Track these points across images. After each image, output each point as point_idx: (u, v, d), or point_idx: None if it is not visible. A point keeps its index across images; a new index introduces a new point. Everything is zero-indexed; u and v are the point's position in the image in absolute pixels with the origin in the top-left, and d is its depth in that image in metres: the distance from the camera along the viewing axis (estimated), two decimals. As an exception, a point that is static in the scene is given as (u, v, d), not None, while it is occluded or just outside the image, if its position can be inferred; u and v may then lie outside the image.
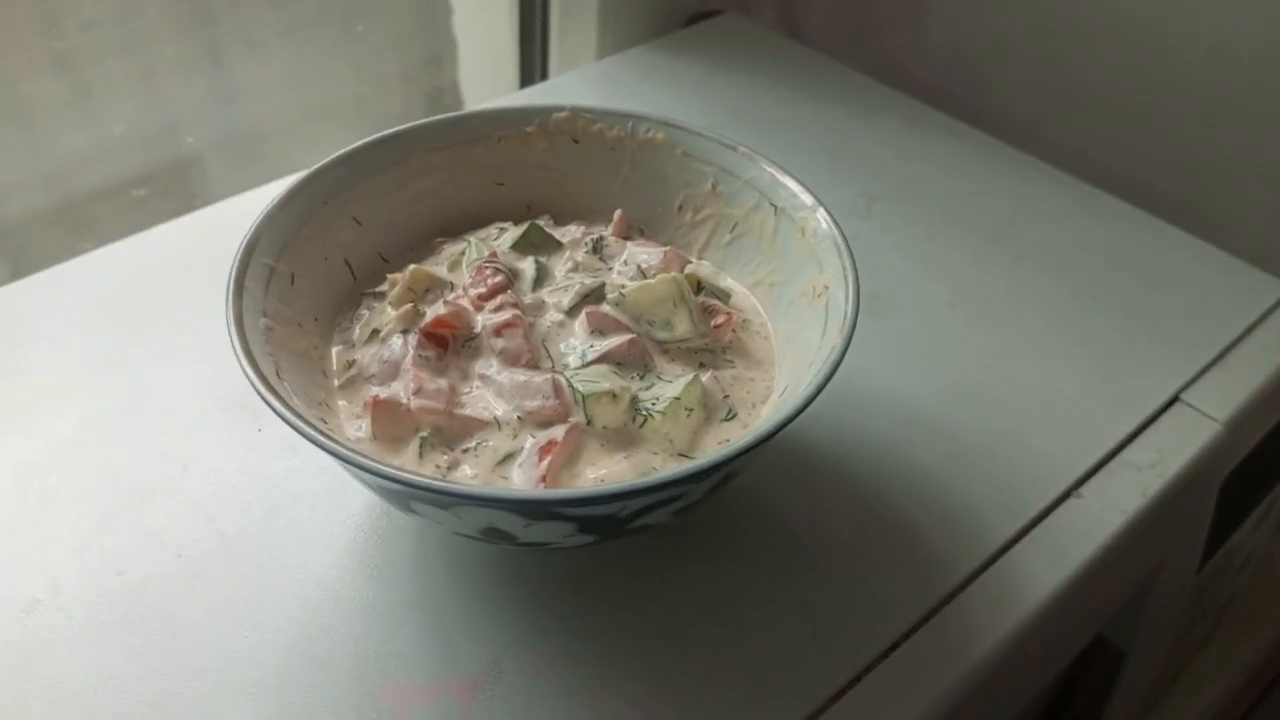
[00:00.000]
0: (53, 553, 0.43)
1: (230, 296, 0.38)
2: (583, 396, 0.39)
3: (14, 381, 0.49)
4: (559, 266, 0.46)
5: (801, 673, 0.40)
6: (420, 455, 0.39)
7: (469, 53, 0.87)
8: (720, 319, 0.44)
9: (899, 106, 0.73)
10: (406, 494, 0.34)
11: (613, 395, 0.39)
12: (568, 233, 0.48)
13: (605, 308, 0.43)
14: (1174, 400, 0.52)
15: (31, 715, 0.37)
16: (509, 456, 0.39)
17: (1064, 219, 0.63)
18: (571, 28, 0.81)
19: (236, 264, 0.40)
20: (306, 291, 0.43)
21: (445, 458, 0.39)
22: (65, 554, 0.42)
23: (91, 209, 0.76)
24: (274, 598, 0.41)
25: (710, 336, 0.43)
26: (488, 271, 0.44)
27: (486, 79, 0.88)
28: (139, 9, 0.71)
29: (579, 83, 0.76)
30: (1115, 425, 0.51)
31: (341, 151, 0.45)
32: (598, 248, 0.47)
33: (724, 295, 0.46)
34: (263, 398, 0.35)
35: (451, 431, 0.40)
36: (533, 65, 0.85)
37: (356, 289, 0.46)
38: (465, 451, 0.39)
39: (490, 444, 0.39)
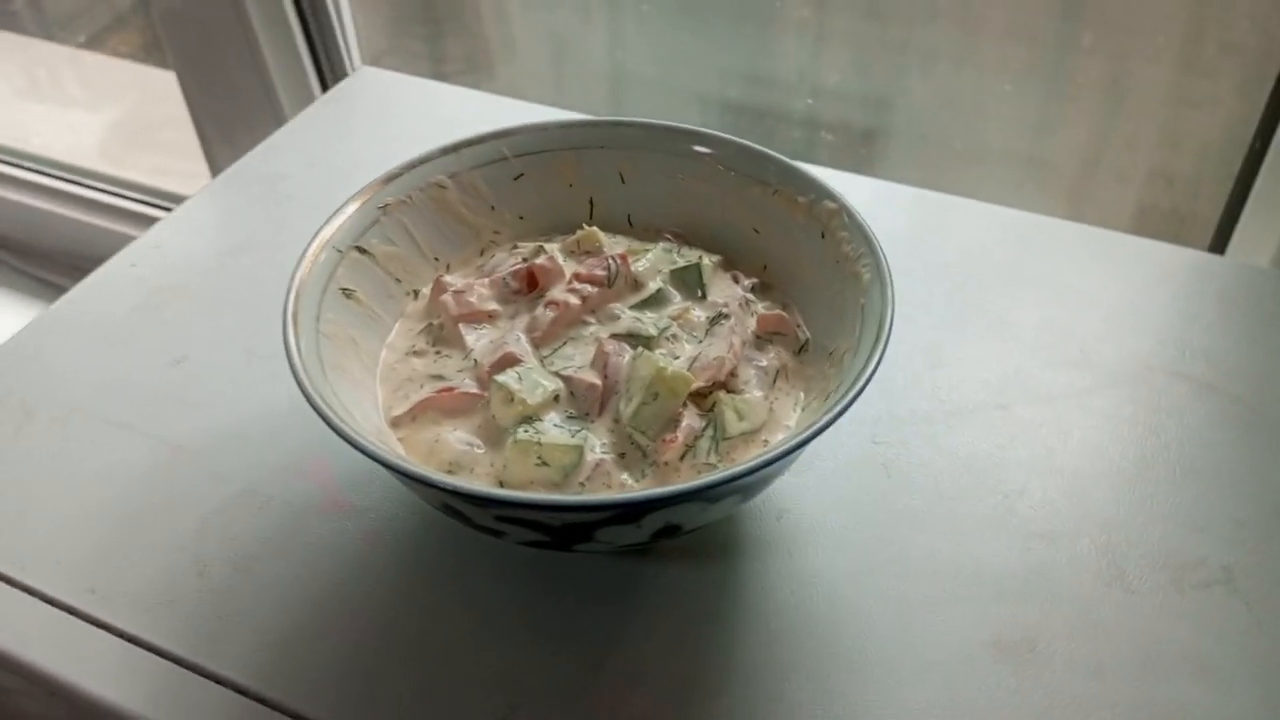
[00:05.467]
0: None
1: (436, 149, 0.49)
2: (493, 380, 0.42)
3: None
4: (671, 307, 0.46)
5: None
6: (420, 332, 0.47)
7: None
8: (670, 438, 0.40)
9: None
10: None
11: (510, 397, 0.41)
12: (728, 295, 0.46)
13: (623, 355, 0.43)
14: None
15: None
16: (438, 377, 0.44)
17: None
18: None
19: (474, 135, 0.50)
20: (525, 193, 0.51)
21: (425, 345, 0.46)
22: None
23: (784, 130, 0.88)
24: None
25: (652, 443, 0.41)
26: (601, 263, 0.46)
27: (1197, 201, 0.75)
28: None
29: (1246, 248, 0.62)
30: None
31: (644, 119, 0.50)
32: (715, 321, 0.45)
33: (722, 433, 0.41)
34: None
35: (448, 335, 0.46)
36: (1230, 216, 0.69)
37: (585, 222, 0.51)
38: (438, 354, 0.46)
39: (448, 361, 0.45)
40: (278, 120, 0.93)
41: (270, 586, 0.45)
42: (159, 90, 1.20)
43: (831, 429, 0.46)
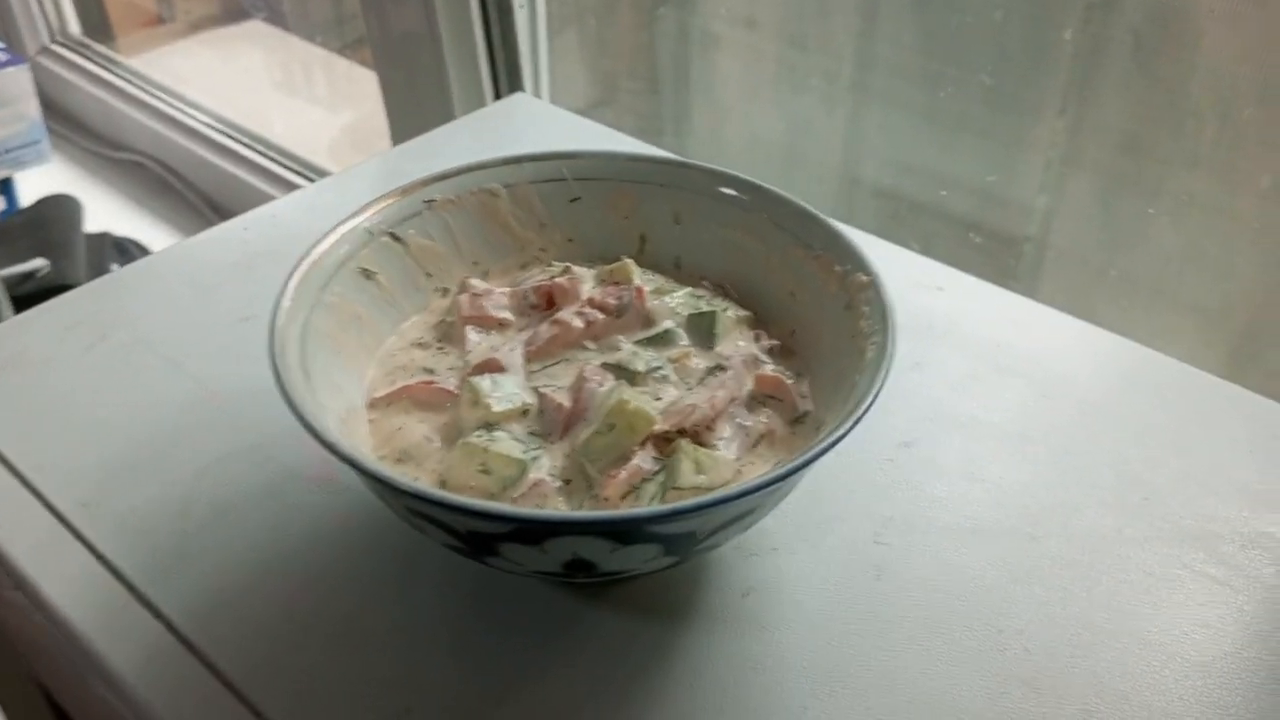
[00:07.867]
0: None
1: (497, 158, 0.50)
2: (467, 380, 0.42)
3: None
4: (673, 350, 0.44)
5: None
6: (433, 326, 0.47)
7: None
8: (615, 475, 0.39)
9: None
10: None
11: (477, 400, 0.41)
12: (736, 350, 0.44)
13: (602, 386, 0.42)
14: None
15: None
16: (428, 370, 0.45)
17: None
18: None
19: (538, 152, 0.50)
20: (578, 217, 0.51)
21: (431, 340, 0.47)
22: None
23: (927, 224, 0.84)
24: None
25: (599, 476, 0.39)
26: (614, 293, 0.45)
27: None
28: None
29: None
30: None
31: (708, 165, 0.49)
32: (711, 371, 0.43)
33: (672, 481, 0.39)
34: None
35: (454, 334, 0.46)
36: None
37: (630, 255, 0.50)
38: (439, 349, 0.46)
39: (445, 358, 0.45)
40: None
41: (236, 539, 0.46)
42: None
43: (834, 517, 0.43)
